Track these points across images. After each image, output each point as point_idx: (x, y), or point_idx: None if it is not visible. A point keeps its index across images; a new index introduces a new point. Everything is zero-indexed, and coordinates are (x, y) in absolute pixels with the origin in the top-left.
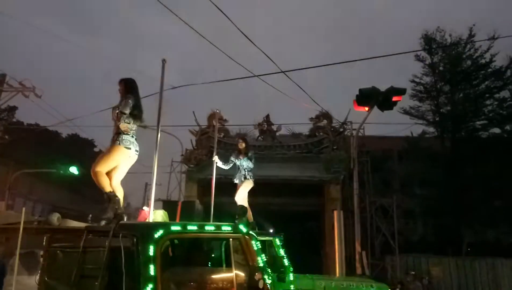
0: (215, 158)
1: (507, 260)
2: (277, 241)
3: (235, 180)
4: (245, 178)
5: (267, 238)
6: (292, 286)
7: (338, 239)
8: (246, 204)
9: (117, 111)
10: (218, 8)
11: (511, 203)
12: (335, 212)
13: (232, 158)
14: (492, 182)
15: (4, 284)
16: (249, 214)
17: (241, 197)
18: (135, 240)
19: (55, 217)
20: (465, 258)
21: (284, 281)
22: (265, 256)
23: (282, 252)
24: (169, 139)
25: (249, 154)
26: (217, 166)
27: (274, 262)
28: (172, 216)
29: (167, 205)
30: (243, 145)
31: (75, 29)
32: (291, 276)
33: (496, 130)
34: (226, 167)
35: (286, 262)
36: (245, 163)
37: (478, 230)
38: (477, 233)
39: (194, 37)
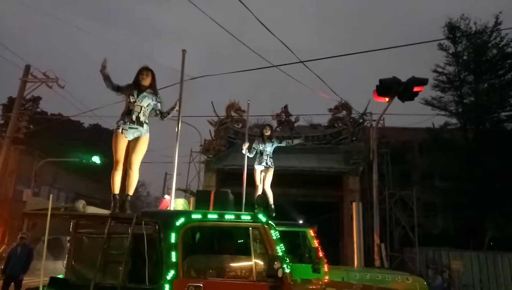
0: (245, 146)
1: None
2: (311, 232)
3: (258, 166)
4: (268, 165)
5: (300, 229)
6: (327, 277)
7: (357, 231)
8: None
9: (164, 113)
10: None
11: None
12: (354, 204)
13: (254, 145)
14: None
15: (30, 269)
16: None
17: (268, 186)
18: (157, 227)
19: (80, 204)
20: (487, 252)
21: (319, 272)
22: (300, 247)
23: (316, 243)
24: (188, 129)
25: (273, 139)
26: (238, 156)
27: (308, 253)
28: (204, 205)
29: (201, 194)
30: (269, 132)
31: (95, 20)
32: (326, 267)
33: None
34: (251, 155)
35: (320, 253)
36: (268, 148)
37: (501, 224)
38: (499, 227)
39: (213, 28)
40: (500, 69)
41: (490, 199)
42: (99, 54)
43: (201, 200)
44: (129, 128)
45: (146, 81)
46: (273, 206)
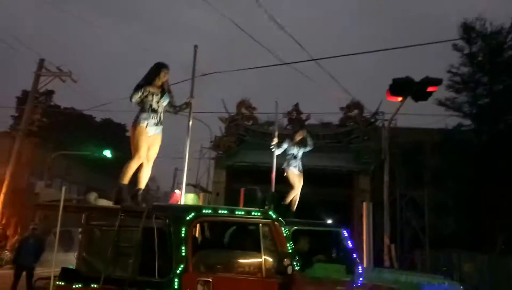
0: (274, 142)
1: None
2: (344, 233)
3: (294, 169)
4: (301, 170)
5: (334, 229)
6: (361, 279)
7: (367, 231)
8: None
9: (177, 107)
10: None
11: None
12: (364, 204)
13: (285, 145)
14: None
15: (40, 260)
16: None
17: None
18: (167, 221)
19: (92, 197)
20: (499, 255)
21: (353, 273)
22: (332, 248)
23: (350, 244)
24: (198, 125)
25: (307, 144)
26: (248, 153)
27: (342, 254)
28: (233, 202)
29: (230, 192)
30: (302, 136)
31: (107, 15)
32: (360, 269)
33: None
34: (278, 152)
35: (354, 254)
36: (300, 152)
37: None
38: None
39: (224, 24)
40: None
41: (503, 202)
42: (111, 49)
43: (230, 197)
44: (154, 124)
45: (166, 79)
46: (294, 210)
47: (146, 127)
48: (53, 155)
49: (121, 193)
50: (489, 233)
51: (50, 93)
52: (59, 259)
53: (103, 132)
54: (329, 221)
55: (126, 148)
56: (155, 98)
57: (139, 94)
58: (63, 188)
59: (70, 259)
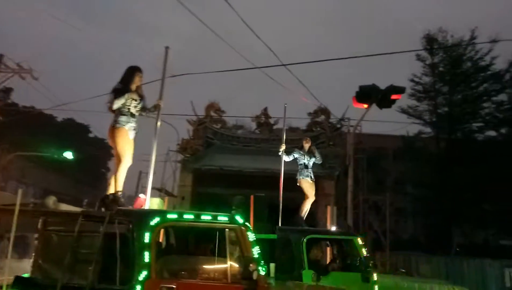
0: (282, 148)
1: (495, 261)
2: (359, 241)
3: (306, 178)
4: (313, 179)
5: (348, 237)
6: (376, 287)
7: None
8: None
9: (147, 109)
10: None
11: (501, 206)
12: (328, 208)
13: (295, 154)
14: (484, 185)
15: None
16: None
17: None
18: (131, 226)
19: (50, 200)
20: (454, 258)
21: (368, 281)
22: (348, 256)
23: (364, 251)
24: (165, 127)
25: (315, 153)
26: (215, 156)
27: (357, 262)
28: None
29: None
30: (309, 143)
31: (74, 13)
32: (375, 276)
33: (492, 133)
34: (287, 160)
35: (369, 261)
36: (311, 162)
37: (468, 231)
38: (466, 234)
39: (194, 27)
40: (474, 82)
41: (458, 207)
42: (77, 48)
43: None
44: (133, 129)
45: (140, 83)
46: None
47: (128, 130)
48: (9, 156)
49: (118, 200)
50: (445, 237)
51: (8, 90)
52: (13, 267)
53: (64, 132)
54: (342, 229)
55: (89, 149)
56: (134, 104)
57: (122, 101)
58: (19, 191)
59: (25, 267)
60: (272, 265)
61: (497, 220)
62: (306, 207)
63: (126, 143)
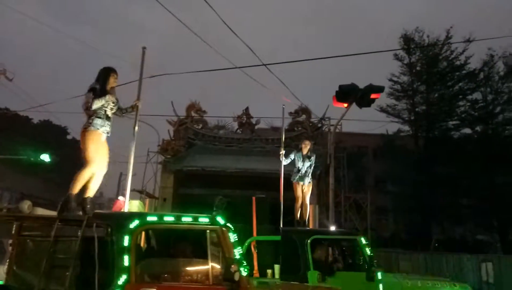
0: (282, 152)
1: (472, 256)
2: (363, 240)
3: (300, 182)
4: (309, 182)
5: (352, 237)
6: (381, 285)
7: None
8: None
9: (123, 110)
10: None
11: (477, 202)
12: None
13: (292, 156)
14: (461, 182)
15: None
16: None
17: (308, 200)
18: (109, 230)
19: (25, 205)
20: (433, 253)
21: (373, 280)
22: (354, 255)
23: (368, 251)
24: (146, 128)
25: (312, 157)
26: (197, 157)
27: (361, 261)
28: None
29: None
30: (307, 147)
31: (50, 13)
32: (380, 275)
33: (467, 131)
34: (285, 163)
35: (373, 261)
36: (304, 167)
37: (446, 227)
38: (445, 230)
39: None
40: (449, 81)
41: (436, 204)
42: (54, 48)
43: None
44: (107, 133)
45: (115, 84)
46: (306, 220)
47: (102, 134)
48: None
49: (70, 203)
50: (424, 233)
51: None
52: None
53: (41, 134)
54: (346, 230)
55: (67, 152)
56: (111, 106)
57: (102, 102)
58: None
59: None
60: (276, 266)
61: (473, 216)
62: (297, 209)
63: (95, 148)
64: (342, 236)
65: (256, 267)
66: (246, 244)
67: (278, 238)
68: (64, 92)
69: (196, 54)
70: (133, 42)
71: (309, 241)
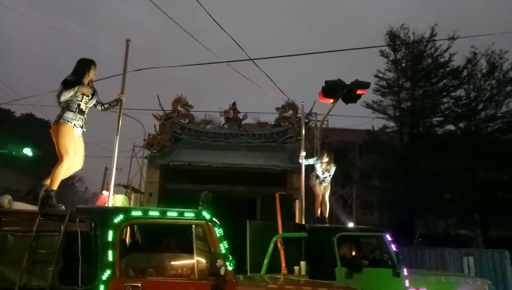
0: (303, 154)
1: (454, 249)
2: (388, 237)
3: (317, 182)
4: (327, 182)
5: (377, 233)
6: (406, 281)
7: None
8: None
9: (105, 104)
10: None
11: (460, 197)
12: (297, 202)
13: (311, 161)
14: (444, 177)
15: None
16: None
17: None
18: (93, 224)
19: (6, 199)
20: (417, 247)
21: (399, 276)
22: (376, 252)
23: (393, 247)
24: (131, 123)
25: (331, 170)
26: (183, 152)
27: (386, 258)
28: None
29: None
30: (327, 160)
31: (33, 5)
32: (405, 271)
33: (451, 127)
34: (306, 163)
35: (399, 257)
36: (323, 176)
37: (430, 222)
38: (428, 225)
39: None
40: (434, 77)
41: (420, 199)
42: (36, 40)
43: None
44: (80, 126)
45: (94, 77)
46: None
47: (73, 127)
48: None
49: (50, 199)
50: (408, 228)
51: None
52: None
53: (23, 128)
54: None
55: (50, 146)
56: (85, 99)
57: (71, 93)
58: None
59: None
60: (302, 263)
61: (456, 211)
62: (317, 207)
63: (68, 141)
64: (368, 233)
65: (283, 264)
66: (274, 240)
67: (303, 235)
68: (48, 85)
69: (184, 49)
70: (119, 36)
71: (335, 238)
